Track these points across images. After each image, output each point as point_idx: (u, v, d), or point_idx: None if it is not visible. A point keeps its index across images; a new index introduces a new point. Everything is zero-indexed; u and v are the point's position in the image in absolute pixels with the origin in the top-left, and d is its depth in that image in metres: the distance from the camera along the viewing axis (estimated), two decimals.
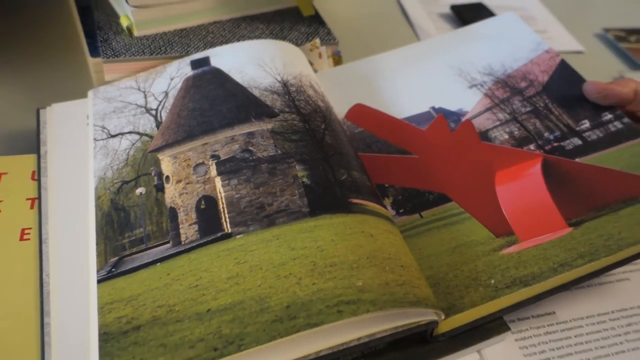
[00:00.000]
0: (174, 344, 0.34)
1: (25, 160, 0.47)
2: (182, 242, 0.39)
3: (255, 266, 0.37)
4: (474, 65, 0.57)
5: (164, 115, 0.48)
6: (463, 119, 0.52)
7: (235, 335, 0.34)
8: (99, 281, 0.39)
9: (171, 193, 0.42)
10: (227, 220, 0.39)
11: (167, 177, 0.43)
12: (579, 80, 0.54)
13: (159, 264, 0.39)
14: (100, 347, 0.35)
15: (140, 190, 0.43)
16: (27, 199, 0.44)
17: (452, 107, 0.53)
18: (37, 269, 0.40)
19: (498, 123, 0.52)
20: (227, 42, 0.56)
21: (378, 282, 0.36)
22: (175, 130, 0.46)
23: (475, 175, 0.48)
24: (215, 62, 0.51)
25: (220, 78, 0.49)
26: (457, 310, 0.39)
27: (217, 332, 0.34)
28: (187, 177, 0.43)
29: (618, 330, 0.44)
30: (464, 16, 0.76)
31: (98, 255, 0.40)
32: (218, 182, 0.41)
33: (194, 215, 0.40)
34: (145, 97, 0.50)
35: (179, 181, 0.43)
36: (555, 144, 0.50)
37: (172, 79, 0.51)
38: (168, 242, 0.40)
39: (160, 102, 0.49)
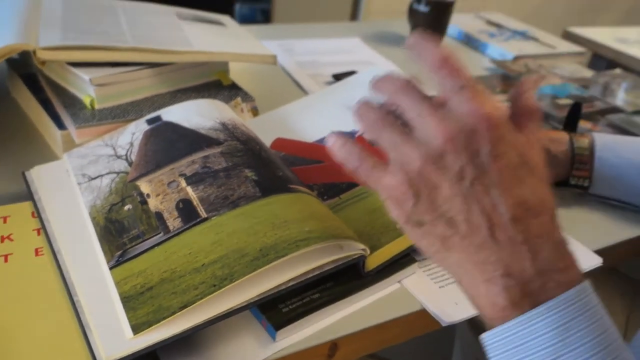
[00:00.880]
0: (181, 290, 0.47)
1: (23, 205, 0.58)
2: (171, 231, 0.52)
3: (230, 232, 0.51)
4: (355, 101, 0.78)
5: (133, 158, 0.62)
6: (356, 136, 0.71)
7: (227, 274, 0.47)
8: (110, 268, 0.50)
9: (154, 203, 0.55)
10: (202, 209, 0.54)
11: (148, 194, 0.57)
12: None
13: (156, 247, 0.51)
14: (124, 305, 0.47)
15: (127, 207, 0.56)
16: (33, 230, 0.55)
17: (347, 129, 0.72)
18: (57, 272, 0.50)
19: None
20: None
21: (320, 227, 0.52)
22: (145, 165, 0.60)
23: None
24: (166, 118, 0.67)
25: (173, 127, 0.65)
26: (378, 248, 0.55)
27: (213, 275, 0.47)
28: (164, 191, 0.56)
29: None
30: (342, 79, 0.98)
31: (105, 254, 0.52)
32: (189, 189, 0.56)
33: (176, 213, 0.54)
34: (114, 148, 0.64)
35: (157, 195, 0.56)
36: None
37: (133, 134, 0.65)
38: (160, 233, 0.52)
39: (127, 150, 0.63)
